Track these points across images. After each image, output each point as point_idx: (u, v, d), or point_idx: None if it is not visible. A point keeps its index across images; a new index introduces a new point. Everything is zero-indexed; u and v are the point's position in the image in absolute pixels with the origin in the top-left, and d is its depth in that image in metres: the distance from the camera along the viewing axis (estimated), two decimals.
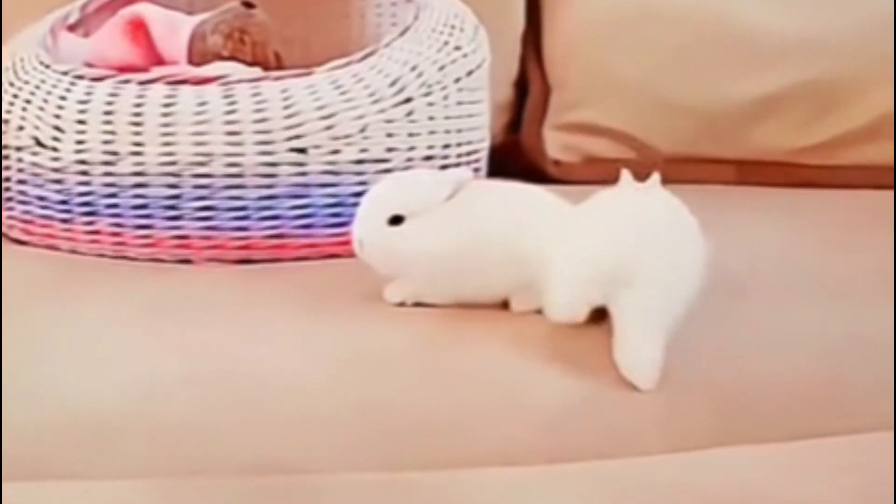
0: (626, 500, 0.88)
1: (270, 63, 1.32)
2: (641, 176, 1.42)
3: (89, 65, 1.27)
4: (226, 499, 0.88)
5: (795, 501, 0.84)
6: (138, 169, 1.14)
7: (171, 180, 1.14)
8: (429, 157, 1.19)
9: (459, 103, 1.22)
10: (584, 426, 0.93)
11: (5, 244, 1.21)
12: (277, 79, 1.16)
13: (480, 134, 1.26)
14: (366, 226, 1.03)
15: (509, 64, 1.51)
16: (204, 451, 0.90)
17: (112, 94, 1.15)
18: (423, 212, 1.02)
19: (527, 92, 1.53)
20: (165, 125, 1.14)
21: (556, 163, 1.49)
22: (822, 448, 0.91)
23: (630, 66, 1.49)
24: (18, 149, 1.19)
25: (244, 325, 1.02)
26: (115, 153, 1.15)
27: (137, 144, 1.14)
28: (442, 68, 1.20)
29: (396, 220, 1.02)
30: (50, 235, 1.18)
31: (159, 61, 1.32)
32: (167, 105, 1.14)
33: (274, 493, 0.86)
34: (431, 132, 1.20)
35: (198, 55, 1.31)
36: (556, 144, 1.50)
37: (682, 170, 1.49)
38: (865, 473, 0.86)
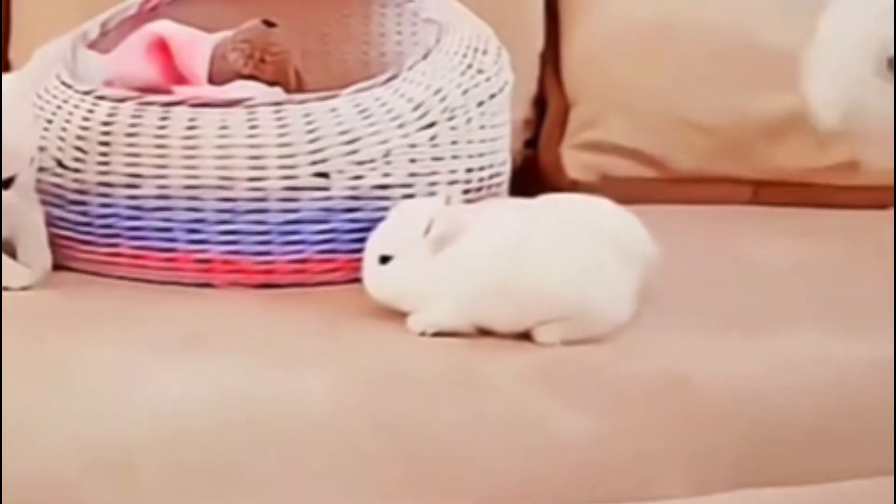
0: None
1: (291, 82, 1.32)
2: (655, 195, 1.43)
3: (109, 83, 1.26)
4: None
5: None
6: (161, 192, 1.14)
7: (194, 203, 1.14)
8: (451, 182, 1.19)
9: (482, 127, 1.22)
10: (604, 464, 0.93)
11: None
12: (300, 102, 1.16)
13: (502, 157, 1.26)
14: (365, 266, 1.08)
15: (528, 83, 1.51)
16: (229, 484, 0.90)
17: (135, 116, 1.15)
18: (404, 248, 1.05)
19: (545, 110, 1.53)
20: (188, 148, 1.14)
21: (574, 182, 1.48)
22: (843, 492, 0.91)
23: (648, 84, 1.49)
24: (41, 170, 1.18)
25: (265, 351, 1.02)
26: (137, 175, 1.14)
27: (160, 167, 1.14)
28: (465, 92, 1.20)
29: (385, 259, 1.06)
30: (71, 257, 1.18)
31: (180, 79, 1.31)
32: (190, 128, 1.14)
33: None
34: (454, 156, 1.19)
35: (218, 74, 1.31)
36: (574, 163, 1.50)
37: (699, 189, 1.50)
38: None
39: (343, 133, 1.15)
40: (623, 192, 1.37)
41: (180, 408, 0.93)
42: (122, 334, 1.04)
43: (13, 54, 1.45)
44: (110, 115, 1.16)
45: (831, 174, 1.50)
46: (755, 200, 1.49)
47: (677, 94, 1.49)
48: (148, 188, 1.14)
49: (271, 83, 1.30)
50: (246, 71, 1.31)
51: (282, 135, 1.14)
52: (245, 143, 1.14)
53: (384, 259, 1.06)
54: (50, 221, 1.18)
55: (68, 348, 1.01)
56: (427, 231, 1.04)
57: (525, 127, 1.51)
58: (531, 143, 1.52)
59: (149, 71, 1.31)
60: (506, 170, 1.27)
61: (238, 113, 1.14)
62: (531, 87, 1.52)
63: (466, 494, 0.92)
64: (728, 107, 1.48)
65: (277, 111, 1.15)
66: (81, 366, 0.99)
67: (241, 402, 0.95)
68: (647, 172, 1.49)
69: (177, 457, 0.90)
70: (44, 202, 1.18)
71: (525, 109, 1.51)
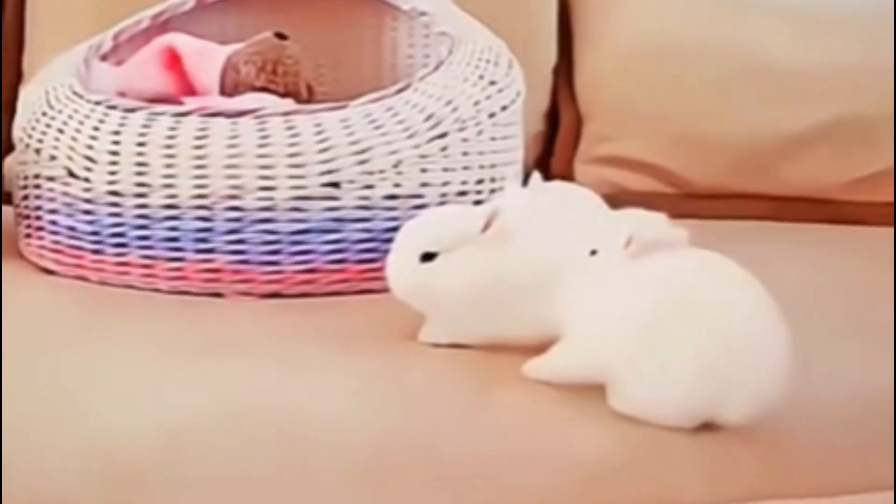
0: None
1: (303, 95, 1.31)
2: (671, 210, 1.42)
3: (121, 94, 1.26)
4: None
5: None
6: (170, 201, 1.13)
7: (203, 213, 1.13)
8: (462, 193, 1.18)
9: (493, 138, 1.21)
10: (624, 477, 0.91)
11: (35, 273, 1.20)
12: (311, 112, 1.15)
13: (514, 169, 1.25)
14: (398, 262, 1.02)
15: (540, 96, 1.51)
16: (234, 492, 0.88)
17: (145, 126, 1.15)
18: (456, 247, 1.01)
19: (558, 124, 1.52)
20: (198, 157, 1.13)
21: None
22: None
23: (663, 99, 1.48)
24: (50, 178, 1.18)
25: (274, 363, 1.01)
26: (147, 185, 1.14)
27: (170, 176, 1.13)
28: (476, 103, 1.19)
29: (429, 256, 1.01)
30: (79, 266, 1.18)
31: (192, 91, 1.31)
32: (200, 137, 1.13)
33: None
34: (465, 167, 1.18)
35: (230, 86, 1.31)
36: (587, 177, 1.49)
37: (714, 205, 1.48)
38: None
39: (353, 143, 1.14)
40: (637, 206, 1.36)
41: (185, 417, 0.92)
42: (127, 344, 1.04)
43: (27, 65, 1.45)
44: (120, 124, 1.15)
45: (851, 190, 1.49)
46: (773, 217, 1.48)
47: (692, 109, 1.48)
48: (157, 197, 1.14)
49: (283, 95, 1.30)
50: (258, 83, 1.30)
51: (292, 145, 1.13)
52: (255, 152, 1.13)
53: (427, 256, 1.01)
54: (59, 230, 1.18)
55: (73, 357, 1.01)
56: (486, 228, 1.00)
57: (538, 141, 1.51)
58: (544, 158, 1.52)
59: (161, 82, 1.31)
60: (518, 180, 1.25)
61: (248, 123, 1.14)
62: (544, 102, 1.51)
63: None
64: (744, 123, 1.48)
65: (288, 121, 1.14)
66: (86, 375, 0.98)
67: (246, 412, 0.94)
68: (661, 187, 1.49)
69: (181, 466, 0.89)
70: (54, 211, 1.18)
71: (538, 124, 1.50)
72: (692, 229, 1.35)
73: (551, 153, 1.52)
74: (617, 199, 1.44)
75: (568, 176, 1.49)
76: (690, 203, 1.47)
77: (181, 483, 0.88)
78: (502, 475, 0.90)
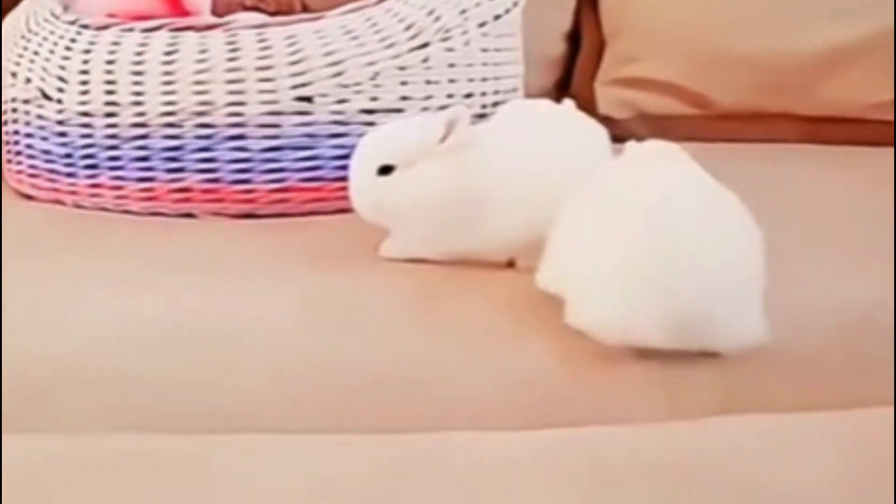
0: (618, 466, 0.81)
1: (296, 13, 1.27)
2: (698, 133, 1.35)
3: (111, 16, 1.23)
4: (183, 455, 0.83)
5: (793, 473, 0.76)
6: (139, 119, 1.10)
7: (172, 131, 1.09)
8: (447, 107, 1.12)
9: (484, 50, 1.15)
10: (576, 392, 0.85)
11: (14, 199, 1.18)
12: (285, 24, 1.11)
13: (511, 83, 1.18)
14: (355, 178, 0.98)
15: (562, 17, 1.44)
16: (165, 405, 0.85)
17: (114, 43, 1.11)
18: (414, 159, 0.95)
19: (579, 46, 1.46)
20: (167, 73, 1.09)
21: (607, 118, 1.40)
22: (827, 421, 0.82)
23: (691, 16, 1.41)
24: (26, 101, 1.15)
25: (235, 281, 0.97)
26: (116, 103, 1.10)
27: (138, 94, 1.10)
28: (463, 12, 1.13)
29: (387, 169, 0.96)
30: (55, 190, 1.15)
31: (184, 13, 1.27)
32: (169, 53, 1.10)
33: (225, 451, 0.81)
34: (451, 80, 1.13)
35: (222, 6, 1.27)
36: (607, 100, 1.42)
37: (744, 126, 1.41)
38: (868, 448, 0.78)
39: (327, 55, 1.09)
40: (661, 128, 1.30)
41: (128, 329, 0.89)
42: (93, 262, 1.00)
43: None
44: (91, 42, 1.12)
45: (887, 110, 1.40)
46: (804, 139, 1.39)
47: (722, 27, 1.40)
48: (126, 116, 1.10)
49: (274, 14, 1.25)
50: (248, 2, 1.26)
51: (262, 58, 1.09)
52: (224, 66, 1.08)
53: (385, 170, 0.96)
54: (35, 154, 1.15)
55: (33, 275, 0.98)
56: (444, 138, 0.95)
57: (558, 63, 1.44)
58: (564, 79, 1.45)
59: (152, 4, 1.27)
60: (516, 97, 1.19)
61: (218, 36, 1.10)
62: (566, 22, 1.45)
63: (431, 419, 0.85)
64: (775, 40, 1.39)
65: (259, 34, 1.10)
66: (43, 290, 0.95)
67: (193, 327, 0.90)
68: (685, 109, 1.41)
69: (112, 376, 0.86)
70: (30, 135, 1.15)
71: (558, 45, 1.44)
72: (718, 152, 1.30)
73: (571, 75, 1.45)
74: (639, 122, 1.41)
75: (588, 98, 1.42)
76: (718, 124, 1.40)
77: (117, 380, 0.85)
78: (448, 388, 0.85)
